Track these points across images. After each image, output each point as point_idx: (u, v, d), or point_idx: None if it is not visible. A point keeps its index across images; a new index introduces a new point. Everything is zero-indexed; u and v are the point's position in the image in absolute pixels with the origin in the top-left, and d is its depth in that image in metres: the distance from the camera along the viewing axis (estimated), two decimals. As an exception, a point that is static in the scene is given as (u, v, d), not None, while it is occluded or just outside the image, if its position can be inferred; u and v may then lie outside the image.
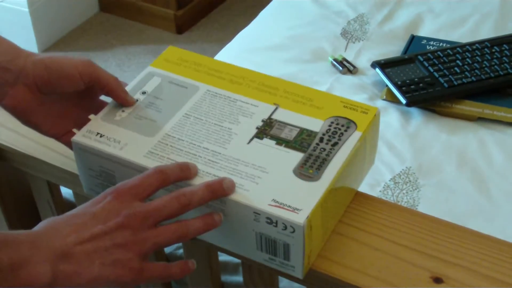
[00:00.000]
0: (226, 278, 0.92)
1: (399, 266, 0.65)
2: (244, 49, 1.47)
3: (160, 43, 2.55)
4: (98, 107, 0.75)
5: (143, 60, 2.47)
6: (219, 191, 0.62)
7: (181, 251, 0.92)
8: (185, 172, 0.63)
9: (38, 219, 0.94)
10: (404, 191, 1.09)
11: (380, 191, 1.09)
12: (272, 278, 0.74)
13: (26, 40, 2.61)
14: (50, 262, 0.56)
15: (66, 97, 0.72)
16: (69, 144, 0.72)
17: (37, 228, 0.59)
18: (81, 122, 0.73)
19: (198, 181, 0.64)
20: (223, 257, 0.87)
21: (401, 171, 1.12)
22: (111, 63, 2.51)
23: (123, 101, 0.72)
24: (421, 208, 1.04)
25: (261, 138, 0.68)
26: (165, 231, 0.60)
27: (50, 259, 0.56)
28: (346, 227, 0.69)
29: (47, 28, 2.62)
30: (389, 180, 1.11)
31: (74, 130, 0.74)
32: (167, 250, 0.93)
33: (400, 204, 1.05)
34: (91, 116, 0.74)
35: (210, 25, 2.62)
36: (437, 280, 0.64)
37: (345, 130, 0.68)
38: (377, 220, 0.69)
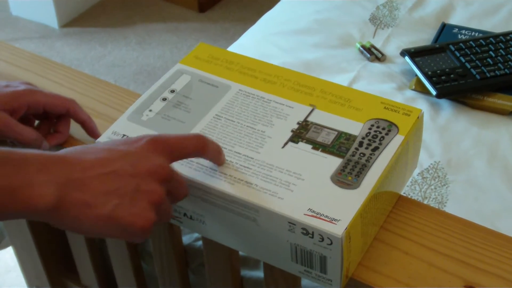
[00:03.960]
0: (245, 273, 0.91)
1: (434, 274, 0.63)
2: (269, 32, 1.44)
3: (181, 21, 2.52)
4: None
5: (164, 38, 2.44)
6: (220, 157, 0.62)
7: (199, 242, 0.91)
8: (216, 157, 0.62)
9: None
10: (432, 187, 1.07)
11: (407, 186, 1.07)
12: (295, 277, 0.72)
13: (47, 15, 2.59)
14: (58, 185, 0.52)
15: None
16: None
17: (56, 152, 0.55)
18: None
19: (229, 188, 0.61)
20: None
21: (429, 166, 1.10)
22: (131, 40, 2.48)
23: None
24: (450, 206, 1.02)
25: (297, 142, 0.65)
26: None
27: (60, 183, 0.52)
28: (386, 234, 0.66)
29: (68, 3, 2.60)
30: (417, 175, 1.08)
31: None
32: (185, 241, 0.92)
33: (428, 202, 1.03)
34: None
35: (233, 3, 2.58)
36: (470, 288, 0.62)
37: (386, 134, 0.65)
38: (417, 226, 0.67)
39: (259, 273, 0.89)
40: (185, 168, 0.63)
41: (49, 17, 2.57)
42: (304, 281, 0.78)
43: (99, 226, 0.53)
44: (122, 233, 0.54)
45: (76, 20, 2.61)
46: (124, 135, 0.67)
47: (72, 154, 0.54)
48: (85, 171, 0.53)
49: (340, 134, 0.66)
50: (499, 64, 1.21)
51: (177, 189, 0.59)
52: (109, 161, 0.54)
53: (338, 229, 0.57)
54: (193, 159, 0.64)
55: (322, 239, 0.58)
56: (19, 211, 0.51)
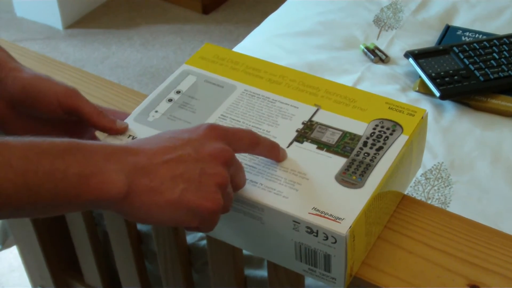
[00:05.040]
0: (249, 272, 0.91)
1: (438, 273, 0.63)
2: (273, 33, 1.44)
3: (185, 23, 2.53)
4: (84, 136, 0.71)
5: (168, 39, 2.45)
6: (276, 153, 0.63)
7: (204, 242, 0.91)
8: (270, 153, 0.63)
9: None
10: (436, 188, 1.07)
11: (410, 186, 1.07)
12: (298, 277, 0.72)
13: (51, 16, 2.60)
14: (126, 173, 0.52)
15: (48, 120, 0.69)
16: None
17: (118, 144, 0.55)
18: None
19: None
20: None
21: (432, 167, 1.10)
22: (135, 41, 2.49)
23: (111, 131, 0.68)
24: (453, 206, 1.02)
25: (301, 142, 0.66)
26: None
27: (128, 171, 0.52)
28: (390, 233, 0.67)
29: (72, 4, 2.60)
30: (420, 176, 1.08)
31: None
32: (189, 240, 0.92)
33: (431, 203, 1.03)
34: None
35: (237, 5, 2.59)
36: (474, 287, 0.63)
37: (391, 134, 0.66)
38: (421, 225, 0.67)
39: (263, 272, 0.89)
40: None
41: (54, 18, 2.58)
42: (308, 281, 0.78)
43: (168, 211, 0.54)
44: (192, 218, 0.55)
45: (80, 21, 2.62)
46: (130, 135, 0.67)
47: (136, 145, 0.55)
48: (150, 159, 0.54)
49: (345, 134, 0.66)
50: (503, 66, 1.21)
51: (238, 174, 0.59)
52: (173, 148, 0.55)
53: (342, 228, 0.57)
54: None
55: (327, 238, 0.58)
56: (91, 199, 0.51)
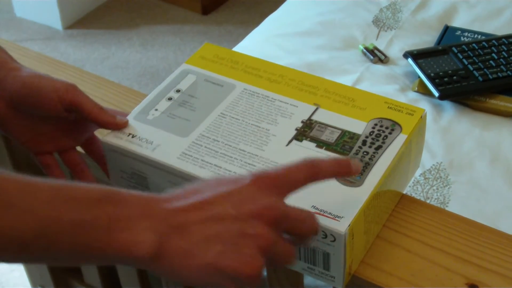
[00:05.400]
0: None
1: (437, 272, 0.63)
2: (272, 34, 1.44)
3: (185, 23, 2.53)
4: (83, 135, 0.71)
5: (167, 40, 2.45)
6: (346, 169, 0.55)
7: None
8: (343, 169, 0.55)
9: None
10: (435, 187, 1.07)
11: (409, 186, 1.07)
12: (298, 276, 0.73)
13: (51, 16, 2.60)
14: (159, 232, 0.48)
15: (48, 119, 0.68)
16: (43, 164, 0.69)
17: (155, 194, 0.51)
18: (62, 147, 0.70)
19: None
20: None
21: (431, 167, 1.10)
22: (135, 42, 2.49)
23: (112, 126, 0.67)
24: (452, 206, 1.03)
25: (301, 140, 0.66)
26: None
27: (161, 230, 0.48)
28: (389, 232, 0.67)
29: (72, 4, 2.61)
30: (419, 176, 1.09)
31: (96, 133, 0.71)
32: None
33: (430, 202, 1.03)
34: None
35: (236, 6, 2.59)
36: (472, 286, 0.63)
37: (390, 133, 0.66)
38: (420, 224, 0.68)
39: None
40: (189, 165, 0.64)
41: (53, 19, 2.58)
42: (307, 280, 0.78)
43: (203, 275, 0.49)
44: (229, 283, 0.50)
45: (80, 22, 2.62)
46: (130, 133, 0.68)
47: (173, 197, 0.51)
48: (186, 216, 0.49)
49: (344, 132, 0.66)
50: (502, 66, 1.21)
51: (297, 227, 0.53)
52: (211, 203, 0.50)
53: (341, 226, 0.58)
54: (197, 154, 0.65)
55: (325, 236, 0.58)
56: (117, 255, 0.48)
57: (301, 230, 0.53)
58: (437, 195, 1.06)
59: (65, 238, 0.47)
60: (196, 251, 0.49)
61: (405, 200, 0.70)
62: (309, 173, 0.53)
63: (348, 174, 0.56)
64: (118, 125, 0.68)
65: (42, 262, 0.50)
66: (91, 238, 0.47)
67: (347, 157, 0.58)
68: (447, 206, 1.03)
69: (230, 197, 0.50)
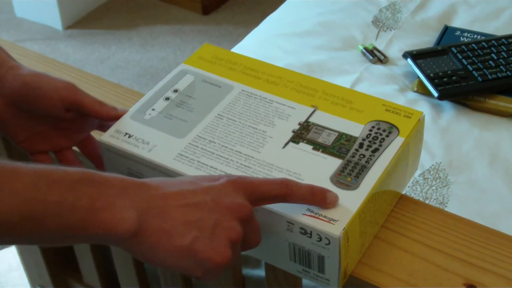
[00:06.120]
0: (247, 271, 0.91)
1: (435, 272, 0.63)
2: (272, 34, 1.44)
3: (185, 24, 2.53)
4: (79, 135, 0.71)
5: (167, 40, 2.45)
6: (319, 200, 0.58)
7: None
8: (316, 198, 0.58)
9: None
10: (434, 188, 1.07)
11: (408, 186, 1.07)
12: (296, 276, 0.72)
13: (51, 16, 2.61)
14: (140, 211, 0.50)
15: (45, 118, 0.68)
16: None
17: (135, 179, 0.53)
18: (58, 147, 0.70)
19: None
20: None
21: (430, 167, 1.10)
22: (135, 42, 2.50)
23: (114, 116, 0.68)
24: (451, 207, 1.02)
25: (297, 143, 0.66)
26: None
27: (141, 208, 0.50)
28: (387, 232, 0.67)
29: (72, 4, 2.61)
30: (418, 176, 1.09)
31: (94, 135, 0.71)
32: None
33: (429, 203, 1.03)
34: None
35: (236, 6, 2.59)
36: (471, 287, 0.63)
37: (387, 136, 0.66)
38: (419, 225, 0.68)
39: (261, 272, 0.89)
40: (185, 166, 0.64)
41: (53, 19, 2.58)
42: (305, 280, 0.78)
43: (176, 257, 0.52)
44: (197, 268, 0.53)
45: (80, 22, 2.62)
46: (126, 133, 0.68)
47: (155, 182, 0.54)
48: (167, 200, 0.52)
49: (341, 135, 0.66)
50: (501, 67, 1.21)
51: (252, 234, 0.57)
52: (192, 193, 0.53)
53: (336, 229, 0.58)
54: (193, 155, 0.65)
55: (320, 239, 0.58)
56: (98, 234, 0.50)
57: (252, 237, 0.57)
58: (436, 196, 1.06)
59: (49, 219, 0.48)
60: (174, 233, 0.51)
61: (404, 201, 0.70)
62: (281, 192, 0.57)
63: (321, 206, 0.59)
64: (120, 116, 0.69)
65: (31, 243, 0.52)
66: (74, 219, 0.49)
67: (327, 189, 0.59)
68: (446, 206, 1.03)
69: (209, 191, 0.54)
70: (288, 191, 0.57)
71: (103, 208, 0.49)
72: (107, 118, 0.68)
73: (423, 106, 1.20)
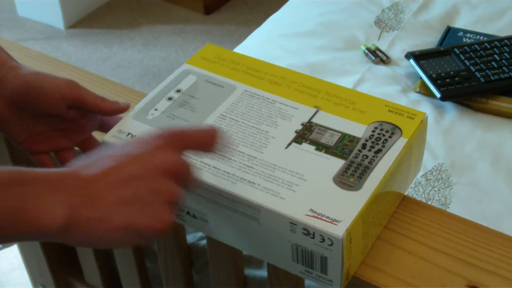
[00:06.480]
0: (249, 272, 0.91)
1: (438, 273, 0.63)
2: (274, 34, 1.44)
3: (187, 23, 2.53)
4: (80, 135, 0.71)
5: (169, 39, 2.45)
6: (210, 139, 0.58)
7: (203, 242, 0.92)
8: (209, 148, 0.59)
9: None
10: (436, 189, 1.07)
11: (411, 187, 1.07)
12: (299, 277, 0.72)
13: (53, 16, 2.61)
14: (69, 205, 0.50)
15: (46, 118, 0.68)
16: (40, 164, 0.69)
17: (66, 167, 0.53)
18: (58, 147, 0.70)
19: (232, 187, 0.62)
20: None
21: (433, 168, 1.10)
22: (137, 41, 2.50)
23: (117, 110, 0.68)
24: (453, 208, 1.02)
25: (300, 143, 0.66)
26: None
27: (71, 202, 0.50)
28: (390, 233, 0.67)
29: (74, 4, 2.61)
30: (421, 177, 1.09)
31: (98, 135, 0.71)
32: (189, 240, 0.92)
33: (432, 204, 1.03)
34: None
35: (238, 6, 2.59)
36: (473, 288, 0.63)
37: (390, 136, 0.66)
38: (421, 226, 0.68)
39: (263, 272, 0.89)
40: None
41: (55, 18, 2.58)
42: (308, 281, 0.78)
43: (115, 238, 0.52)
44: (141, 239, 0.53)
45: (82, 21, 2.62)
46: (129, 133, 0.68)
47: (81, 168, 0.53)
48: (95, 184, 0.51)
49: (344, 136, 0.66)
50: (504, 68, 1.21)
51: (190, 180, 0.57)
52: (117, 168, 0.52)
53: (339, 230, 0.57)
54: (194, 157, 0.65)
55: (323, 240, 0.58)
56: (29, 233, 0.50)
57: (191, 184, 0.57)
58: (438, 197, 1.05)
59: None
60: (108, 217, 0.51)
61: (406, 202, 0.70)
62: (209, 143, 0.57)
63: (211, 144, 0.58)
64: (123, 109, 0.69)
65: None
66: (6, 220, 0.49)
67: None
68: (448, 207, 1.03)
69: (136, 158, 0.53)
70: (214, 143, 0.57)
71: (31, 207, 0.49)
72: (109, 112, 0.68)
73: (425, 107, 1.20)
